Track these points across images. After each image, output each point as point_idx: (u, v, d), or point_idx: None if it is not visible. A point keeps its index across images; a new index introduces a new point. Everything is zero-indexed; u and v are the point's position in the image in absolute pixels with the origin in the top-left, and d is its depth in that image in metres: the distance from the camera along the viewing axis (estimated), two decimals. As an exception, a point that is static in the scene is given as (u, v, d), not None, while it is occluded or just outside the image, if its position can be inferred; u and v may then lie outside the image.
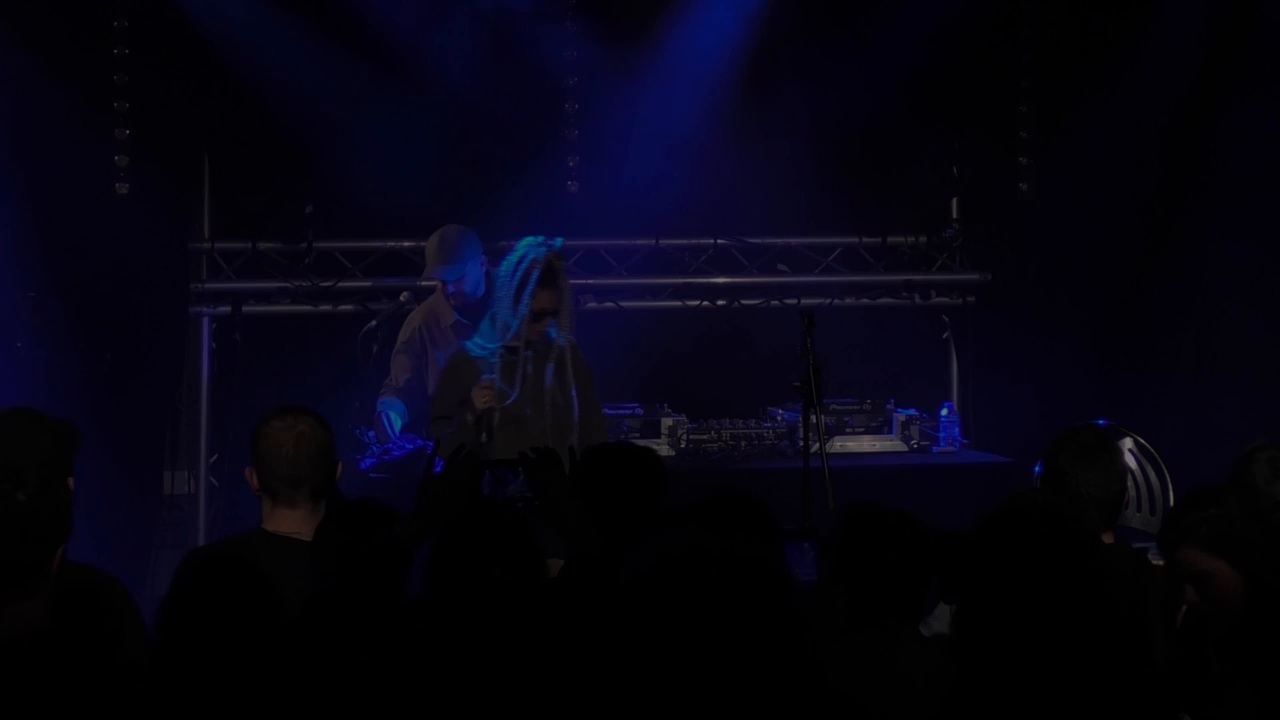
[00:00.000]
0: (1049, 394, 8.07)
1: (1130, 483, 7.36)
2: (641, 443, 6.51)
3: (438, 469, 3.95)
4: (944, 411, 7.74)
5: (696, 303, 8.22)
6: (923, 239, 8.71)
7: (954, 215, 8.71)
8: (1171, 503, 7.26)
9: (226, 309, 8.12)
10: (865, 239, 8.69)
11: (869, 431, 7.60)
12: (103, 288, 7.93)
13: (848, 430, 7.54)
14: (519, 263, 6.44)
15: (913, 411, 7.66)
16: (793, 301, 8.23)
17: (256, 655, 3.17)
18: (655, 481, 4.41)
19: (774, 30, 8.24)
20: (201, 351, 8.18)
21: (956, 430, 7.69)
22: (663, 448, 7.43)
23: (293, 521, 4.04)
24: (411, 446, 7.08)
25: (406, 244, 8.37)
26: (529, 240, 6.54)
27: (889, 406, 7.65)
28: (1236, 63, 8.38)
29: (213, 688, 3.13)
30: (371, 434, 7.24)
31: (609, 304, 8.46)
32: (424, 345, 7.27)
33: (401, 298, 7.96)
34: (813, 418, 6.13)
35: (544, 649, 3.26)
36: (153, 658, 3.27)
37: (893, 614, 3.69)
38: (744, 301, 8.57)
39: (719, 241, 8.48)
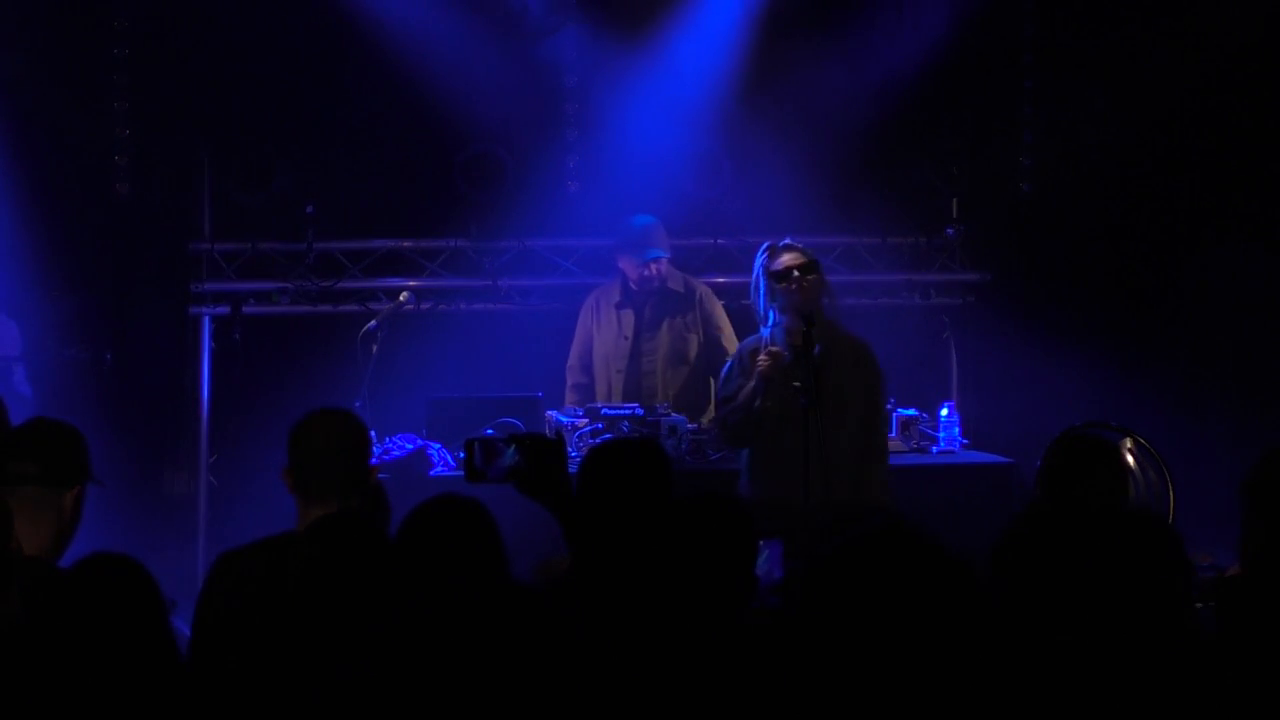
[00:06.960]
0: (1049, 394, 8.08)
1: (1130, 483, 7.38)
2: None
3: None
4: (944, 411, 7.72)
5: (697, 303, 8.19)
6: (923, 239, 8.71)
7: (954, 215, 8.71)
8: (1172, 503, 7.25)
9: (226, 309, 8.12)
10: (865, 239, 8.69)
11: (869, 431, 7.57)
12: (103, 288, 7.94)
13: (848, 430, 7.51)
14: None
15: (913, 411, 7.64)
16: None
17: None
18: (662, 473, 4.41)
19: (774, 31, 8.24)
20: (201, 351, 8.18)
21: (956, 430, 7.67)
22: (662, 448, 7.41)
23: None
24: (412, 446, 7.08)
25: (406, 244, 8.38)
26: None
27: (889, 406, 7.63)
28: (1237, 63, 8.38)
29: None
30: (371, 433, 7.23)
31: (609, 304, 8.47)
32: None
33: (401, 297, 7.95)
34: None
35: (507, 639, 3.26)
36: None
37: None
38: (745, 302, 8.53)
39: (719, 241, 8.48)
